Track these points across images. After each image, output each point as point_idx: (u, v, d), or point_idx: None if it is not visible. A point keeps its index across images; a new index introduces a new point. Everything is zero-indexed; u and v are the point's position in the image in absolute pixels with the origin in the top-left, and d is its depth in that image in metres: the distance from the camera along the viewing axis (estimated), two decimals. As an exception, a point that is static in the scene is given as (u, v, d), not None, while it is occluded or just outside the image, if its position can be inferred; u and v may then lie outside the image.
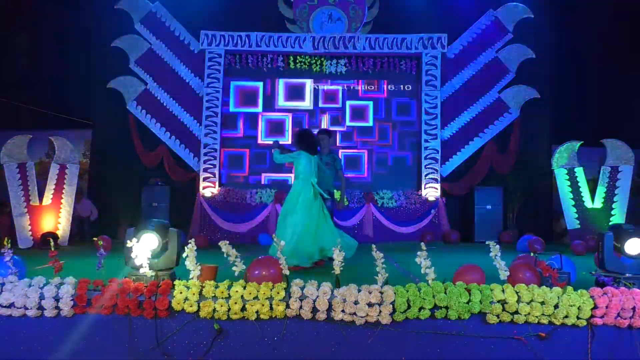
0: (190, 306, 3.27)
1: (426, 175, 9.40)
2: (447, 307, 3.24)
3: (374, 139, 9.77)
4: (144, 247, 3.42)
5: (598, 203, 8.11)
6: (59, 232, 7.85)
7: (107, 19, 9.61)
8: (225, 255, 3.55)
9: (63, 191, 8.06)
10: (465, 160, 9.54)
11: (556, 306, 3.24)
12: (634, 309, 3.25)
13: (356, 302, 3.24)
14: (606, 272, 3.76)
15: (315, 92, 9.81)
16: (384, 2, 9.71)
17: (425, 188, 9.36)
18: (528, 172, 9.31)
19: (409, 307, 3.24)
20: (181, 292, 3.30)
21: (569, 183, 8.26)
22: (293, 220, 5.06)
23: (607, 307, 3.24)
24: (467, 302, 3.24)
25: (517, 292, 3.29)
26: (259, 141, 9.72)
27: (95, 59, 9.65)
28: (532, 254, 4.33)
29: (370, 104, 9.81)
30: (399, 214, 9.16)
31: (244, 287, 3.33)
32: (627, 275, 3.64)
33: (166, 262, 3.56)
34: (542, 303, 3.24)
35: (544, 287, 3.35)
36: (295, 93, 9.82)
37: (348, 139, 9.79)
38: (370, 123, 9.77)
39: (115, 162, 9.27)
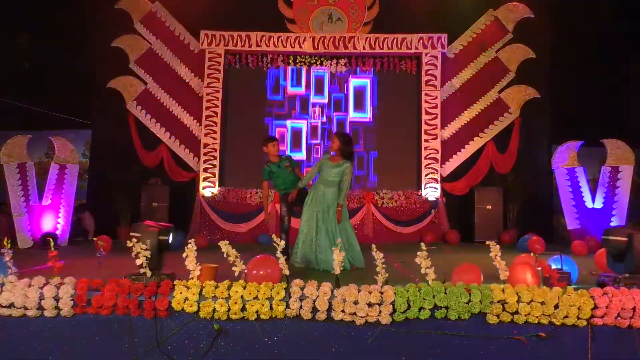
0: (190, 306, 3.26)
1: (426, 175, 9.40)
2: (447, 307, 3.24)
3: (374, 138, 9.78)
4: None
5: (598, 203, 8.11)
6: (59, 232, 7.86)
7: (107, 19, 9.62)
8: (225, 255, 3.55)
9: (63, 191, 8.06)
10: (465, 160, 9.54)
11: (556, 306, 3.24)
12: (634, 309, 3.25)
13: (356, 302, 3.23)
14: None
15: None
16: (384, 2, 9.71)
17: (425, 188, 9.36)
18: (528, 172, 9.31)
19: (409, 307, 3.24)
20: (181, 292, 3.30)
21: (569, 183, 8.26)
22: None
23: (607, 307, 3.24)
24: (467, 302, 3.23)
25: (517, 292, 3.28)
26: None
27: (95, 59, 9.66)
28: (532, 254, 4.33)
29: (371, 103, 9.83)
30: (399, 214, 9.16)
31: (244, 287, 3.32)
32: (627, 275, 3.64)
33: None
34: (542, 303, 3.24)
35: (544, 287, 3.35)
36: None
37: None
38: (370, 120, 9.80)
39: (115, 162, 9.26)
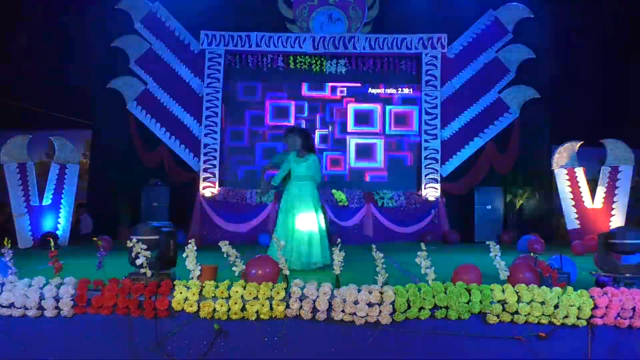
0: (190, 306, 3.26)
1: (426, 175, 9.40)
2: (447, 307, 3.24)
3: (377, 138, 9.79)
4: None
5: (598, 203, 8.10)
6: (59, 232, 7.85)
7: (107, 19, 9.62)
8: (225, 255, 3.55)
9: (63, 191, 8.06)
10: (465, 160, 9.54)
11: (556, 306, 3.24)
12: (634, 309, 3.25)
13: (356, 302, 3.23)
14: None
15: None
16: (384, 2, 9.72)
17: (425, 188, 9.36)
18: (528, 172, 9.31)
19: (409, 307, 3.24)
20: (181, 292, 3.30)
21: (569, 183, 8.26)
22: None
23: (607, 307, 3.24)
24: (467, 302, 3.24)
25: (517, 292, 3.28)
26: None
27: (95, 59, 9.66)
28: (532, 254, 4.33)
29: (375, 107, 9.83)
30: (399, 214, 9.15)
31: (244, 287, 3.32)
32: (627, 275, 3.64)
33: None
34: (542, 303, 3.24)
35: (544, 287, 3.35)
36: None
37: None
38: (375, 126, 9.81)
39: (115, 162, 9.26)
